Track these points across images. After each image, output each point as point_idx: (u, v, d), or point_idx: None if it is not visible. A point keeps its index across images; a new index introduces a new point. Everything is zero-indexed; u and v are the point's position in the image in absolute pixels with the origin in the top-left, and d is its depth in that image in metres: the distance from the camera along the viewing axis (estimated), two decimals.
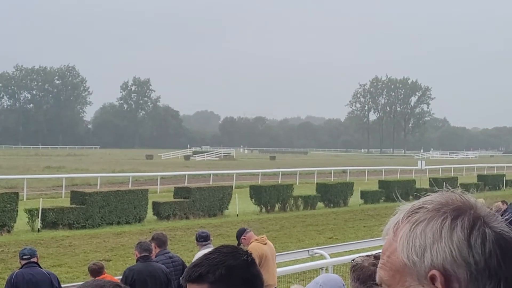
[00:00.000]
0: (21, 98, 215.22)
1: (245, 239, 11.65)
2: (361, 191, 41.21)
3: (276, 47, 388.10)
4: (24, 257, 9.91)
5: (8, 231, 25.28)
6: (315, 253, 18.22)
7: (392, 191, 42.58)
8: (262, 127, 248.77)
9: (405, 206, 1.64)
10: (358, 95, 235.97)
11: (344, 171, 64.91)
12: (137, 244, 10.20)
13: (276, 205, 35.99)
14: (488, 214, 1.59)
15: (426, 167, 57.60)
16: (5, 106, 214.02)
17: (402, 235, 1.59)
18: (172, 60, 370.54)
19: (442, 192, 1.64)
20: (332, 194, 39.14)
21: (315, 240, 25.05)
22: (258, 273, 2.57)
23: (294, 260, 18.20)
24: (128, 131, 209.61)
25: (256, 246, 11.49)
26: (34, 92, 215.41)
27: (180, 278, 2.56)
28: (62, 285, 10.94)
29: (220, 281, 2.46)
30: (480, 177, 57.68)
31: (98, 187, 39.88)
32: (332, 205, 38.83)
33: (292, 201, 36.69)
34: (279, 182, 46.32)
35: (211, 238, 11.97)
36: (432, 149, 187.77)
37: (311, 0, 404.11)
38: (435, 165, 76.49)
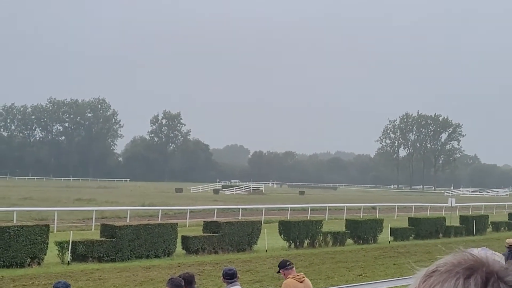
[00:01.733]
0: (53, 131, 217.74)
1: (284, 273, 11.88)
2: (390, 228, 40.92)
3: (306, 81, 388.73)
4: None
5: (39, 263, 25.44)
6: None
7: (422, 228, 42.36)
8: (292, 161, 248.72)
9: (420, 272, 1.66)
10: (388, 131, 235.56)
11: (374, 207, 64.58)
12: (169, 280, 10.18)
13: (305, 241, 35.90)
14: (501, 269, 1.60)
15: (456, 204, 57.17)
16: (38, 138, 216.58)
17: None
18: (203, 94, 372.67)
19: (454, 253, 1.67)
20: (362, 230, 38.96)
21: (344, 277, 24.90)
22: None
23: None
24: (158, 164, 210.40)
25: (290, 282, 11.60)
26: (66, 125, 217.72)
27: None
28: None
29: None
30: (511, 215, 57.11)
31: (128, 220, 40.01)
32: (361, 241, 38.64)
33: (321, 237, 36.57)
34: (308, 217, 46.18)
35: (238, 275, 11.94)
36: (462, 186, 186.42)
37: (342, 35, 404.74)
38: (465, 203, 75.87)
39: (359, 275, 25.66)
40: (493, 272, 1.59)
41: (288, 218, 44.52)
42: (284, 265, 12.12)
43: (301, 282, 11.79)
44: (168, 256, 29.35)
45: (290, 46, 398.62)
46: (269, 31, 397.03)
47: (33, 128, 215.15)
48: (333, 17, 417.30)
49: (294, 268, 12.16)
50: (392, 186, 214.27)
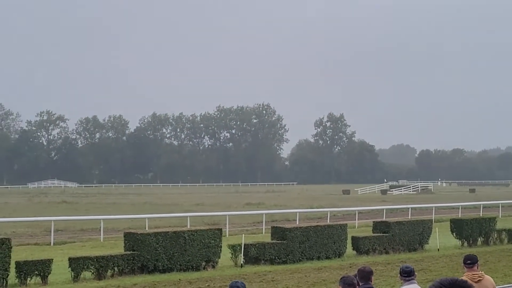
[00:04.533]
0: (221, 138, 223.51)
1: (464, 269, 11.72)
2: None
3: (470, 78, 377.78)
4: None
5: (213, 266, 26.14)
6: None
7: None
8: (460, 159, 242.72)
9: None
10: None
11: None
12: (341, 278, 10.14)
13: (479, 239, 34.94)
14: None
15: None
16: (206, 146, 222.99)
17: None
18: (366, 95, 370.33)
19: None
20: None
21: None
22: None
23: None
24: (324, 166, 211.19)
25: None
26: (233, 131, 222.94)
27: None
28: None
29: None
30: None
31: (297, 223, 40.43)
32: None
33: (495, 235, 35.47)
34: (481, 215, 44.94)
35: (415, 273, 11.73)
36: None
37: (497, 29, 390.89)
38: None
39: None
40: None
41: (459, 216, 43.53)
42: (463, 262, 11.85)
43: (476, 282, 11.37)
44: (338, 257, 29.38)
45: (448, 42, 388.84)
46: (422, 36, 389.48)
47: (202, 136, 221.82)
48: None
49: (474, 267, 11.72)
50: None
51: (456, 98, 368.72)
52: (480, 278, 11.48)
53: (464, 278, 11.20)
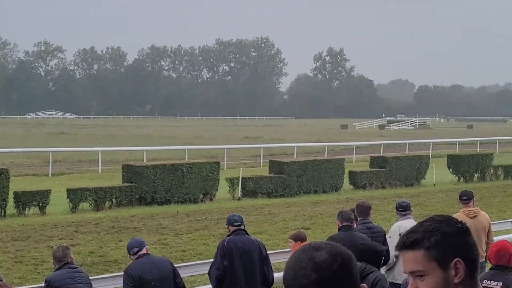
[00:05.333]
0: (220, 71, 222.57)
1: (460, 205, 11.84)
2: None
3: (471, 13, 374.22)
4: (235, 223, 10.04)
5: (211, 199, 26.32)
6: None
7: None
8: (459, 95, 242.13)
9: None
10: None
11: None
12: (339, 213, 10.16)
13: (475, 175, 35.13)
14: None
15: None
16: (205, 79, 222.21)
17: None
18: (366, 29, 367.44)
19: None
20: None
21: None
22: (474, 242, 2.62)
23: (494, 232, 17.72)
24: (323, 101, 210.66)
25: (458, 217, 11.29)
26: (232, 65, 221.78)
27: (394, 246, 2.64)
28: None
29: (436, 247, 2.53)
30: None
31: (295, 157, 40.49)
32: None
33: (492, 171, 35.66)
34: (478, 151, 45.08)
35: (412, 208, 11.79)
36: None
37: None
38: None
39: None
40: None
41: (457, 152, 43.66)
42: (459, 198, 11.91)
43: (472, 217, 11.38)
44: (335, 191, 29.55)
45: None
46: None
47: (200, 69, 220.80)
48: None
49: (470, 203, 11.77)
50: None
51: (456, 33, 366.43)
52: (476, 214, 11.53)
53: (459, 213, 11.26)
